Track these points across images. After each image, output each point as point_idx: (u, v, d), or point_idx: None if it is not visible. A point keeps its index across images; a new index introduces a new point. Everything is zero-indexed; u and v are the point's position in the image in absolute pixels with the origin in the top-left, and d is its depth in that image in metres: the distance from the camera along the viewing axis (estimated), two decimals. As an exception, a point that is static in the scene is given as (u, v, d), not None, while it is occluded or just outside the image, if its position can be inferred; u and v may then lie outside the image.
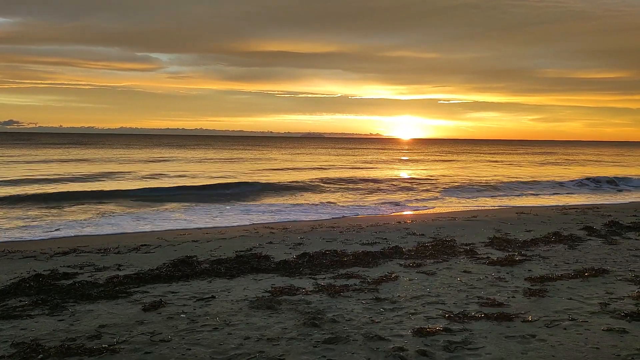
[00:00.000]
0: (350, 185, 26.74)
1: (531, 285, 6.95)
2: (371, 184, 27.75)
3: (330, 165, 44.09)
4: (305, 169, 39.47)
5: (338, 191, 24.31)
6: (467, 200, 21.83)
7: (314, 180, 28.66)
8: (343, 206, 18.91)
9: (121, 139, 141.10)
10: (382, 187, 26.27)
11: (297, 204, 19.09)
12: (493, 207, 18.84)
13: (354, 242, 10.44)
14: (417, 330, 5.18)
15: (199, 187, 23.93)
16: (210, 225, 13.98)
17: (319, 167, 42.02)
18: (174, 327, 5.37)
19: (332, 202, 19.85)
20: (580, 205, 18.80)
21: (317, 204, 19.14)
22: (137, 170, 34.69)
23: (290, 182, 27.15)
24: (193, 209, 17.33)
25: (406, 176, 33.92)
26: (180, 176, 30.46)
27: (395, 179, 31.49)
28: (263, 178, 29.66)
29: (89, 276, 7.66)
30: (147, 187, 23.21)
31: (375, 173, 36.47)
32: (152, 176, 30.15)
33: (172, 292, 6.70)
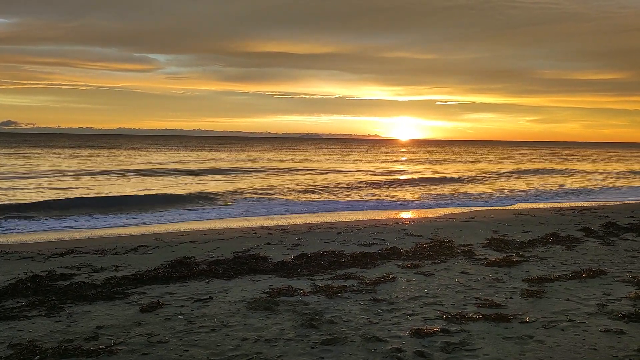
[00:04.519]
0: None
1: (529, 286, 6.95)
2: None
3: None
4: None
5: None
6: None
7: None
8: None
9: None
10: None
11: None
12: (490, 208, 18.85)
13: (351, 243, 10.44)
14: (415, 331, 5.18)
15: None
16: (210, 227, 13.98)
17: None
18: (172, 328, 5.36)
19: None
20: (578, 206, 18.82)
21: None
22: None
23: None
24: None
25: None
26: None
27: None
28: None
29: (86, 277, 7.64)
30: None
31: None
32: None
33: (170, 293, 6.69)
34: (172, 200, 18.76)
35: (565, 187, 28.15)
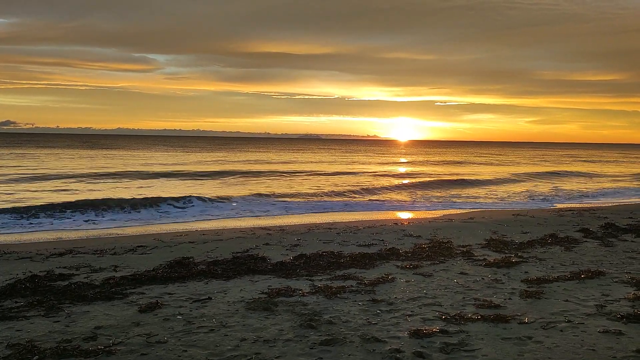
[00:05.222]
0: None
1: (527, 287, 6.95)
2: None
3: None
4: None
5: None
6: None
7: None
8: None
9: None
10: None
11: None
12: (490, 209, 18.86)
13: (350, 244, 10.44)
14: (414, 332, 5.18)
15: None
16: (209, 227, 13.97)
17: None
18: (170, 328, 5.36)
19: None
20: (577, 207, 18.84)
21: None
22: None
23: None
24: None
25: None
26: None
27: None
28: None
29: (85, 277, 7.64)
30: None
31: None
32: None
33: (169, 294, 6.68)
34: (170, 201, 18.71)
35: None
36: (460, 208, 19.21)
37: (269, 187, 26.25)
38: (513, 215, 15.78)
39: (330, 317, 5.69)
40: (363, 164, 53.39)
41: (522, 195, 24.32)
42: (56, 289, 6.87)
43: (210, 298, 6.47)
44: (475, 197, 23.24)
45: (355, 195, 23.28)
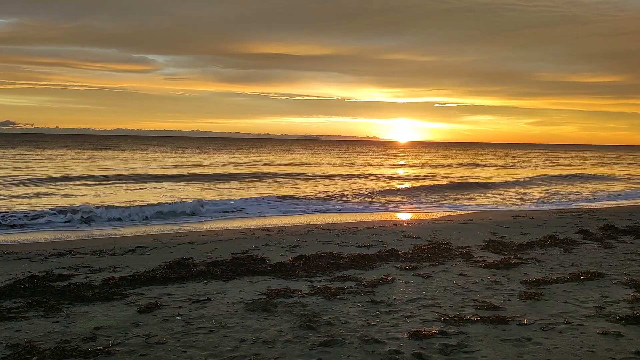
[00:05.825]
0: None
1: (527, 289, 6.95)
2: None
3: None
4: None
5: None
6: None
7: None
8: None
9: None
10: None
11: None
12: (490, 210, 18.86)
13: (350, 245, 10.44)
14: (413, 333, 5.18)
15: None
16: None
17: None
18: (170, 329, 5.35)
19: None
20: (576, 209, 18.85)
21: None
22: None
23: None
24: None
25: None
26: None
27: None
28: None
29: (84, 278, 7.63)
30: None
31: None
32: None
33: (168, 294, 6.68)
34: (169, 202, 18.69)
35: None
36: (459, 209, 19.23)
37: (268, 188, 26.27)
38: (512, 216, 15.78)
39: (330, 318, 5.69)
40: (362, 165, 53.39)
41: (522, 197, 24.36)
42: (55, 289, 6.86)
43: (209, 299, 6.46)
44: (475, 199, 23.29)
45: (355, 197, 23.26)
